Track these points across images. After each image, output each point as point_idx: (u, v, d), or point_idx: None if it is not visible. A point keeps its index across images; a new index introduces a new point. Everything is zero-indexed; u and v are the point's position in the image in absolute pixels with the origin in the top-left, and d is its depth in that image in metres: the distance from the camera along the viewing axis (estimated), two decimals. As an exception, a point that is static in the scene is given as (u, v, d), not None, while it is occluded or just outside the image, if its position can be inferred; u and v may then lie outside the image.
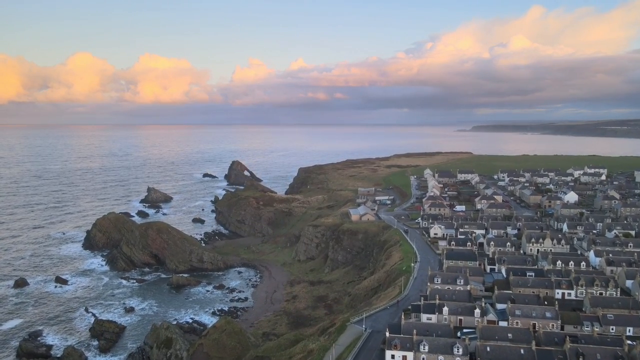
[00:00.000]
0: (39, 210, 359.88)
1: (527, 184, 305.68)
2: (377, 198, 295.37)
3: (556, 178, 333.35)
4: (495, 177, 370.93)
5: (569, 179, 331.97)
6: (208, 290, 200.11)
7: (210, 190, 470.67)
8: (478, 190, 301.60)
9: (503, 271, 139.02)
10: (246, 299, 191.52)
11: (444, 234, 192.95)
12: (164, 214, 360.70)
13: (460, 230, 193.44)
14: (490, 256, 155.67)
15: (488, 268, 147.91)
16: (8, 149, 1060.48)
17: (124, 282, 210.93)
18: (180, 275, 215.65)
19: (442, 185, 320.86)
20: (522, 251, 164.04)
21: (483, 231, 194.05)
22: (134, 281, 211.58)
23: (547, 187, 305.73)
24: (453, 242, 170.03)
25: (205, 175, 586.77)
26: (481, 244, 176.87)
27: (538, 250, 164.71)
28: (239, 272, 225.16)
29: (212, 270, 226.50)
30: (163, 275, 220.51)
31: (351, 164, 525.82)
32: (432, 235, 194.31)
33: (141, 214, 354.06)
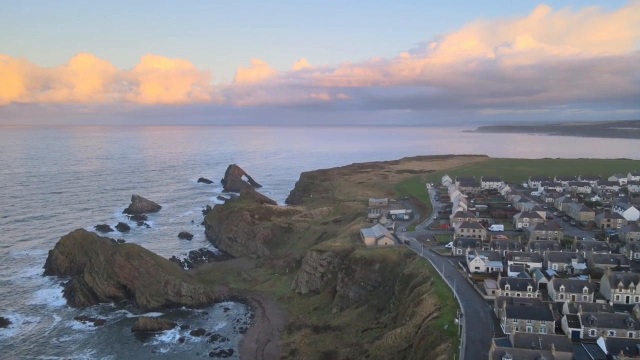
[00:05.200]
0: (9, 223, 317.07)
1: (569, 195, 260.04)
2: (391, 212, 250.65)
3: (599, 187, 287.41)
4: (525, 185, 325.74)
5: (614, 188, 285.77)
6: (183, 338, 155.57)
7: (203, 198, 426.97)
8: (512, 202, 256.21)
9: (601, 344, 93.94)
10: (231, 352, 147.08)
11: (488, 268, 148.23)
12: (147, 227, 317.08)
13: (510, 262, 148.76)
14: (568, 312, 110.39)
15: (569, 331, 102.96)
16: (4, 150, 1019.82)
17: (78, 324, 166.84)
18: (150, 315, 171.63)
19: (466, 196, 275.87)
20: (609, 302, 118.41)
21: (539, 264, 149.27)
22: (92, 323, 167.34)
23: (592, 199, 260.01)
24: (507, 285, 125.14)
25: (201, 180, 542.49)
26: (542, 285, 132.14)
27: (628, 298, 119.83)
28: (225, 310, 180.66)
29: (192, 306, 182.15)
30: (129, 314, 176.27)
31: (358, 169, 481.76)
32: (472, 269, 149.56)
33: (122, 227, 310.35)
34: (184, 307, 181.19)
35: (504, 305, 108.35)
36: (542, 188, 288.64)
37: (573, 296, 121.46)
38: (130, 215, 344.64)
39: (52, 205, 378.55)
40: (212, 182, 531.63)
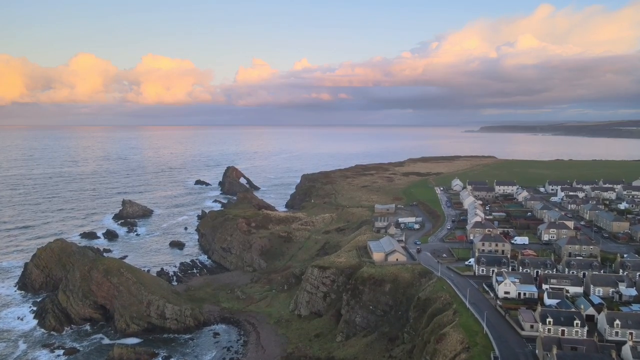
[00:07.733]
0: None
1: (595, 202, 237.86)
2: (400, 220, 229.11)
3: (625, 193, 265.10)
4: (542, 189, 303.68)
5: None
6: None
7: (199, 202, 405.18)
8: (532, 210, 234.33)
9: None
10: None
11: (520, 294, 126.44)
12: (136, 235, 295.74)
13: (545, 286, 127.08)
14: (632, 359, 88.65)
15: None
16: (1, 152, 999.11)
17: (46, 353, 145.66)
18: (129, 342, 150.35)
19: (481, 202, 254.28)
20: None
21: (579, 288, 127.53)
22: (62, 352, 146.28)
23: (620, 206, 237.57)
24: (550, 319, 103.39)
25: (198, 182, 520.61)
26: (589, 317, 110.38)
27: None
28: (215, 335, 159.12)
29: (177, 330, 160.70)
30: (106, 340, 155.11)
31: (362, 171, 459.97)
32: (501, 294, 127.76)
33: (109, 235, 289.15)
34: (171, 334, 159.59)
35: (554, 350, 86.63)
36: (563, 193, 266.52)
37: (631, 333, 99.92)
38: (119, 222, 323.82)
39: (41, 211, 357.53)
40: (209, 184, 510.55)
